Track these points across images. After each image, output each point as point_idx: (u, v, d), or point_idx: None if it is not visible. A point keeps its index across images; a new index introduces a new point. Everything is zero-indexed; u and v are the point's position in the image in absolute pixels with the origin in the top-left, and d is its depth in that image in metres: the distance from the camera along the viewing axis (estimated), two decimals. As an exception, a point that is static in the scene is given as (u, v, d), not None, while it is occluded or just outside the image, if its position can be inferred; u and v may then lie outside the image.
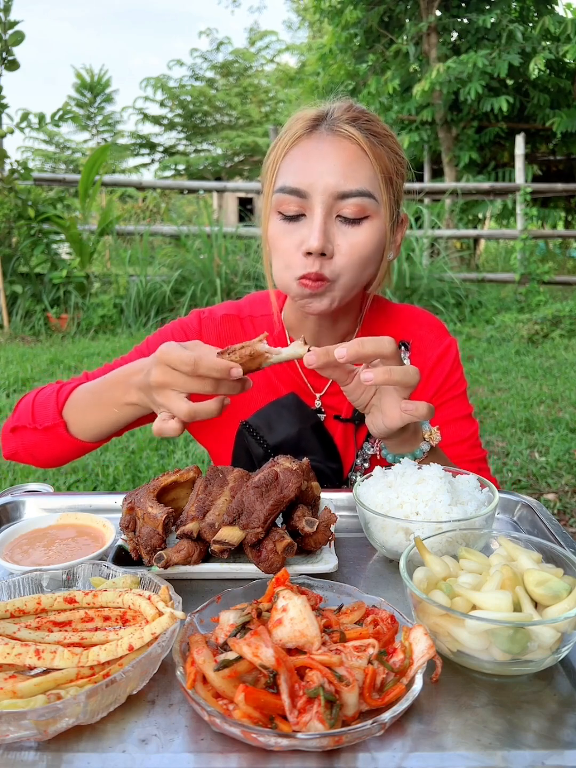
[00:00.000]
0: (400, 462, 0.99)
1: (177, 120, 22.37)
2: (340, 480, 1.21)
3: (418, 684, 0.60)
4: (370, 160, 1.04)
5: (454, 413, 1.23)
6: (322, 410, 1.21)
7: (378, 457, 1.21)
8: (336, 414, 1.21)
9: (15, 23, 6.21)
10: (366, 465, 1.21)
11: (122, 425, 1.09)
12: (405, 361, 1.23)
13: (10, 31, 6.20)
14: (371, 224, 1.04)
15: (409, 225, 1.08)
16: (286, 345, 1.23)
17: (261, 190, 1.15)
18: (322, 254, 1.02)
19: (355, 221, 1.03)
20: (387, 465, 1.00)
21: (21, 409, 1.18)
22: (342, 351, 0.82)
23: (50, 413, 1.11)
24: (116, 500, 1.07)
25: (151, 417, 1.23)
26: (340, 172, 1.01)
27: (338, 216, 1.03)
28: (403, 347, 1.24)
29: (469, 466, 1.18)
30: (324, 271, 1.02)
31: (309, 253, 1.01)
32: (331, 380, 1.22)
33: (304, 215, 1.04)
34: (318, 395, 1.22)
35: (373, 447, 1.21)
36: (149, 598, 0.69)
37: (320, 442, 1.20)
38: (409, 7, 10.89)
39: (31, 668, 0.63)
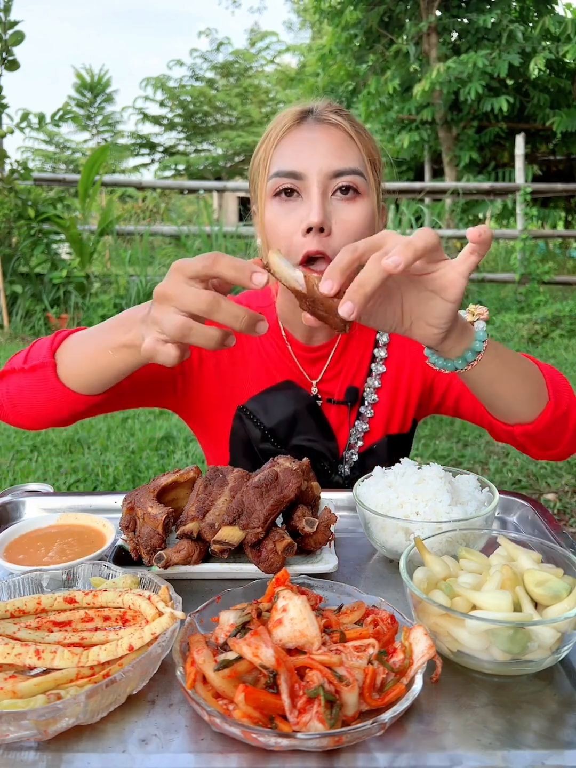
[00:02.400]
0: (471, 360, 0.85)
1: (177, 120, 22.35)
2: (336, 459, 1.23)
3: (418, 684, 0.60)
4: (356, 145, 1.09)
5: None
6: (319, 397, 1.23)
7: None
8: (329, 397, 1.23)
9: (15, 23, 6.21)
10: (360, 442, 1.23)
11: (112, 374, 0.95)
12: (383, 353, 1.25)
13: (10, 31, 6.20)
14: (363, 203, 1.07)
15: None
16: (280, 335, 1.24)
17: (253, 189, 1.16)
18: (321, 230, 1.02)
19: (350, 197, 1.06)
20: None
21: (16, 355, 1.08)
22: (393, 260, 0.70)
23: (43, 353, 1.01)
24: (116, 500, 1.07)
25: (147, 399, 1.22)
26: (333, 154, 1.06)
27: (334, 192, 1.06)
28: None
29: None
30: (325, 249, 1.03)
31: (309, 230, 1.02)
32: (325, 367, 1.23)
33: (299, 195, 1.07)
34: (314, 382, 1.23)
35: (365, 424, 1.23)
36: (149, 598, 0.69)
37: (316, 422, 1.22)
38: (409, 7, 10.88)
39: (31, 668, 0.63)
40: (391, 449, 1.24)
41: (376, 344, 1.26)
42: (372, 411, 1.24)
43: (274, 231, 1.07)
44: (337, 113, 1.11)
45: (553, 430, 1.02)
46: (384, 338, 1.27)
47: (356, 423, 1.24)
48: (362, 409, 1.24)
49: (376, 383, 1.24)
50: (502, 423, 1.04)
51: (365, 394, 1.24)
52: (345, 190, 1.05)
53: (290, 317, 1.22)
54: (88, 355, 0.95)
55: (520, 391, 0.97)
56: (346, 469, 1.23)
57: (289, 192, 1.06)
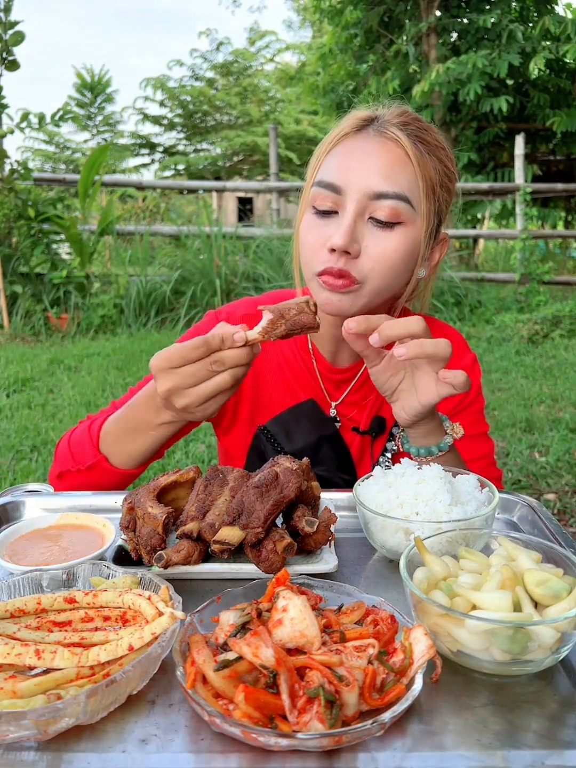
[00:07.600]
0: (422, 456, 1.00)
1: (177, 120, 22.34)
2: None
3: (418, 684, 0.60)
4: (412, 166, 1.01)
5: (471, 430, 1.22)
6: (338, 419, 1.20)
7: (400, 450, 1.20)
8: (354, 425, 1.20)
9: (15, 23, 6.21)
10: None
11: (161, 444, 1.07)
12: None
13: (10, 31, 6.20)
14: (405, 231, 1.01)
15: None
16: (307, 350, 1.21)
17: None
18: (347, 253, 0.99)
19: (387, 225, 1.00)
20: (409, 458, 0.99)
21: (59, 454, 1.16)
22: (375, 337, 0.87)
23: (88, 451, 1.09)
24: (116, 500, 1.07)
25: (183, 431, 1.21)
26: (380, 173, 0.99)
27: (370, 218, 1.01)
28: None
29: None
30: (349, 269, 1.00)
31: (333, 250, 0.99)
32: (348, 389, 1.20)
33: (336, 213, 1.02)
34: (333, 404, 1.20)
35: (390, 461, 1.20)
36: (149, 598, 0.69)
37: (336, 453, 1.19)
38: (409, 7, 10.87)
39: (31, 668, 0.63)
40: None
41: None
42: (397, 448, 1.20)
43: (303, 240, 1.05)
44: (401, 127, 1.03)
45: None
46: None
47: (380, 459, 1.20)
48: (389, 445, 1.21)
49: None
50: None
51: (393, 429, 1.20)
52: (381, 223, 1.00)
53: (319, 333, 1.20)
54: (130, 440, 1.05)
55: None
56: None
57: (326, 213, 1.03)
